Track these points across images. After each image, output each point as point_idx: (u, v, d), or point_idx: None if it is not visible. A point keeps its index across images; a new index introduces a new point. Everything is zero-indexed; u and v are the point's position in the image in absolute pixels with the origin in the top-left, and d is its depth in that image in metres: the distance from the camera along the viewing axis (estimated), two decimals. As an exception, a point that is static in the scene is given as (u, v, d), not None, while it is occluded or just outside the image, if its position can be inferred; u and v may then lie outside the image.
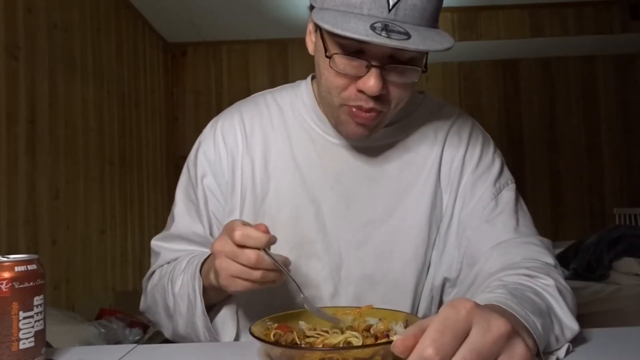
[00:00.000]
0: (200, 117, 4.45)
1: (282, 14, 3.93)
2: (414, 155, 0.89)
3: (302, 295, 0.71)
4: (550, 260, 0.79)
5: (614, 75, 4.68)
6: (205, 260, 0.82)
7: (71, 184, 2.68)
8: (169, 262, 0.92)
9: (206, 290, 0.80)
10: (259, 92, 0.99)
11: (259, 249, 0.69)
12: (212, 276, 0.77)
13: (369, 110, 0.77)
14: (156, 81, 4.16)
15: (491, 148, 0.92)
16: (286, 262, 0.73)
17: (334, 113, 0.82)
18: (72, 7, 2.75)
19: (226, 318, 0.88)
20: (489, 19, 4.18)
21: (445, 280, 0.87)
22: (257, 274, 0.70)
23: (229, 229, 0.71)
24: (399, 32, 0.68)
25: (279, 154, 0.90)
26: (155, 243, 0.95)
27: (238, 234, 0.69)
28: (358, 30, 0.67)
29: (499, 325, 0.48)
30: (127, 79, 3.50)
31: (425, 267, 0.87)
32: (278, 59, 4.54)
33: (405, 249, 0.86)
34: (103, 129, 3.10)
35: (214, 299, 0.85)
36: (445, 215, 0.88)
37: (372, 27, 0.68)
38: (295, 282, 0.71)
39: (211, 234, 0.93)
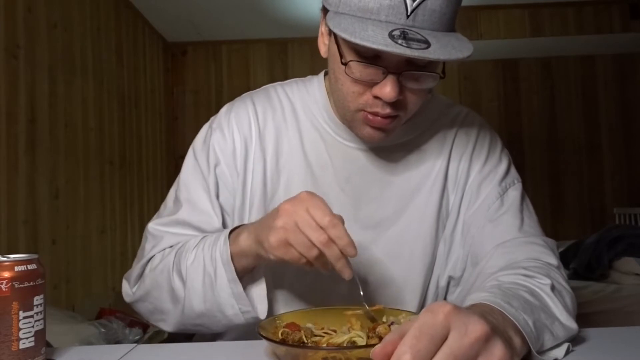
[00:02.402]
0: (200, 116, 4.45)
1: (282, 14, 3.93)
2: (423, 155, 0.89)
3: (361, 293, 0.71)
4: (553, 260, 0.78)
5: (614, 75, 4.68)
6: (233, 229, 0.78)
7: (71, 184, 2.68)
8: (171, 246, 0.86)
9: (233, 258, 0.76)
10: (270, 84, 0.97)
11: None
12: (243, 238, 0.74)
13: (386, 116, 0.76)
14: (156, 81, 4.15)
15: (498, 147, 0.92)
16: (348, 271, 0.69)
17: (349, 117, 0.81)
18: (72, 7, 2.75)
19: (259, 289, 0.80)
20: (489, 18, 4.18)
21: (450, 279, 0.87)
22: (314, 254, 0.67)
23: (312, 202, 0.68)
24: (418, 40, 0.66)
25: (291, 151, 0.89)
26: (156, 227, 0.89)
27: (328, 219, 0.66)
28: (377, 40, 0.65)
29: (476, 328, 0.48)
30: (127, 79, 3.50)
31: (432, 267, 0.87)
32: (278, 59, 4.54)
33: (413, 249, 0.86)
34: (103, 128, 3.10)
35: (236, 270, 0.78)
36: (452, 215, 0.88)
37: (391, 36, 0.66)
38: (358, 282, 0.71)
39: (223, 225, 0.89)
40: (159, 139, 4.15)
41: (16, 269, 0.60)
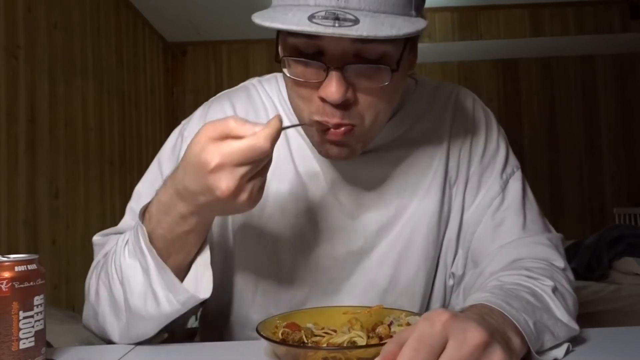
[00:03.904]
0: (200, 117, 4.44)
1: (282, 14, 3.93)
2: (419, 150, 0.83)
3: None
4: (559, 262, 0.76)
5: (614, 75, 4.68)
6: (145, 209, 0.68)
7: (71, 184, 2.67)
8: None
9: (183, 244, 0.66)
10: (248, 81, 0.89)
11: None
12: (176, 202, 0.63)
13: (336, 125, 0.66)
14: (156, 81, 4.15)
15: (494, 130, 0.87)
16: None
17: (309, 132, 0.73)
18: (72, 7, 2.75)
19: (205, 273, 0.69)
20: (489, 18, 4.17)
21: (453, 277, 0.85)
22: (263, 161, 0.59)
23: (213, 131, 0.58)
24: (347, 20, 0.57)
25: (278, 159, 0.79)
26: (97, 238, 0.82)
27: (249, 128, 0.57)
28: (292, 22, 0.58)
29: (474, 336, 0.48)
30: (127, 79, 3.50)
31: (434, 268, 0.84)
32: (278, 59, 4.53)
33: (415, 251, 0.82)
34: (103, 128, 3.09)
35: (191, 243, 0.67)
36: (455, 210, 0.83)
37: (311, 17, 0.58)
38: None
39: None
40: (159, 139, 4.14)
41: (16, 269, 0.60)
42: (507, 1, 4.06)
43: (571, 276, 0.77)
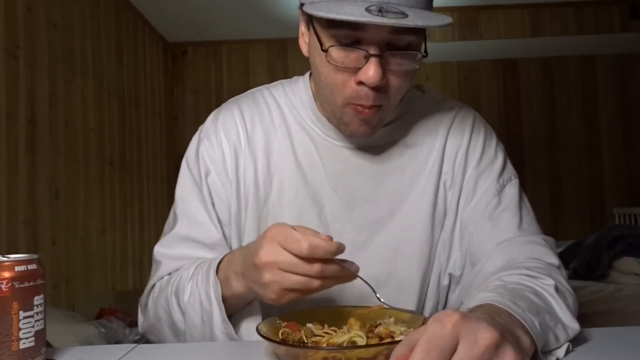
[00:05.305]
0: (200, 116, 4.41)
1: (282, 14, 3.93)
2: (416, 153, 0.88)
3: (377, 296, 0.70)
4: (554, 260, 0.78)
5: (613, 75, 4.68)
6: (219, 263, 0.77)
7: (71, 184, 2.68)
8: (169, 274, 0.86)
9: (225, 299, 0.75)
10: (256, 88, 0.97)
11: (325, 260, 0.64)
12: (235, 284, 0.73)
13: (370, 106, 0.76)
14: (156, 81, 4.15)
15: (494, 141, 0.91)
16: (355, 266, 0.68)
17: (337, 113, 0.80)
18: (72, 7, 2.75)
19: (251, 323, 0.79)
20: (489, 18, 4.18)
21: (450, 277, 0.87)
22: (317, 284, 0.65)
23: (282, 237, 0.64)
24: (395, 12, 0.67)
25: (281, 152, 0.88)
26: (158, 250, 0.89)
27: (306, 247, 0.62)
28: (354, 14, 0.66)
29: (485, 337, 0.48)
30: (127, 79, 3.50)
31: (430, 266, 0.87)
32: (278, 59, 4.54)
33: (409, 249, 0.85)
34: (103, 128, 3.10)
35: (233, 308, 0.78)
36: (450, 213, 0.87)
37: (368, 10, 0.67)
38: (367, 283, 0.69)
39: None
40: (159, 139, 4.15)
41: (16, 269, 0.60)
42: (507, 1, 4.06)
43: (565, 274, 0.79)
